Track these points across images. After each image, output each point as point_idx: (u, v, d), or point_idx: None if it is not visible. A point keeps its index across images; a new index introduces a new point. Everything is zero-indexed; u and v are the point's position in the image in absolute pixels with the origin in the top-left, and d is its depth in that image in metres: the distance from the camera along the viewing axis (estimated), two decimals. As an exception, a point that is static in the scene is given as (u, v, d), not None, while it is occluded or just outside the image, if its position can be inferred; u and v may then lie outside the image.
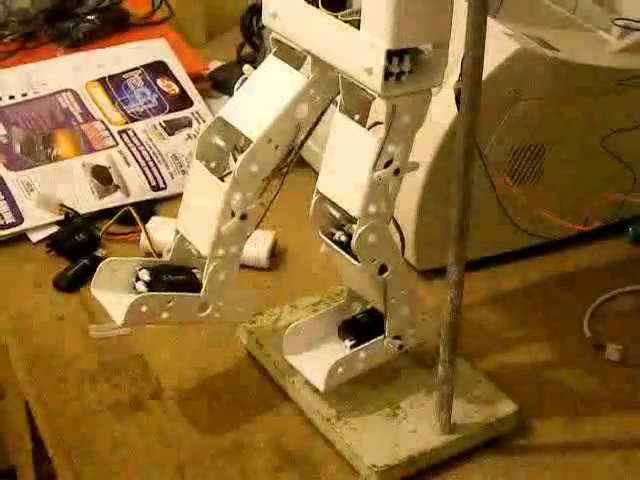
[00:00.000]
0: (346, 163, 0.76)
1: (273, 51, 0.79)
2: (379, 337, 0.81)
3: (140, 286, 0.81)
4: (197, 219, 0.81)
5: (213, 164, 0.81)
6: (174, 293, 0.80)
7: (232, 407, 0.85)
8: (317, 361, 0.81)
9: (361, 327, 0.83)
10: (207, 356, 0.90)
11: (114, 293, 0.81)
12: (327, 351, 0.83)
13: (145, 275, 0.82)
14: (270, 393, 0.86)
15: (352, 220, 0.77)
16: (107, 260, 0.82)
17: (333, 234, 0.79)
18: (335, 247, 0.79)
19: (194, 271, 0.83)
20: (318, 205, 0.79)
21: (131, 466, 0.80)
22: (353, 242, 0.76)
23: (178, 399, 0.86)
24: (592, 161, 1.00)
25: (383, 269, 0.78)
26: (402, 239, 0.82)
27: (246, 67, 0.80)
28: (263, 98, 0.78)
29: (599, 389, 0.89)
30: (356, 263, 0.77)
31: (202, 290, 0.81)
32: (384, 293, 0.79)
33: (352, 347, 0.82)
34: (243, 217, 0.78)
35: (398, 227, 0.81)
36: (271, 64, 0.79)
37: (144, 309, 0.78)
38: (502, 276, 1.02)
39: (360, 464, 0.78)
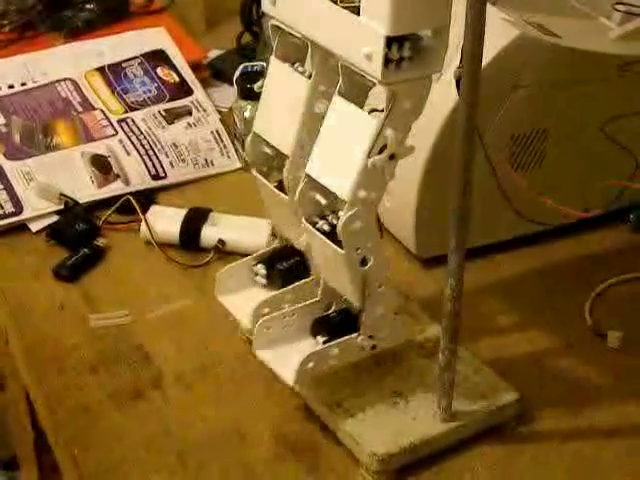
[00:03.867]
0: (341, 146, 0.75)
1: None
2: (353, 334, 0.80)
3: (260, 279, 0.86)
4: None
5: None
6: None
7: (233, 396, 0.85)
8: (288, 356, 0.80)
9: (334, 325, 0.81)
10: (208, 345, 0.90)
11: (238, 296, 0.85)
12: (298, 347, 0.82)
13: (261, 269, 0.86)
14: (271, 382, 0.86)
15: (336, 211, 0.76)
16: (223, 270, 0.86)
17: (316, 223, 0.78)
18: (319, 234, 0.77)
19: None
20: (305, 190, 0.77)
21: (132, 455, 0.80)
22: (339, 226, 0.74)
23: (179, 388, 0.86)
24: (592, 148, 1.00)
25: (364, 261, 0.77)
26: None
27: (258, 84, 0.82)
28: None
29: (600, 376, 0.88)
30: (340, 250, 0.75)
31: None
32: (362, 287, 0.78)
33: (324, 343, 0.80)
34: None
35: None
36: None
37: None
38: (503, 263, 1.02)
39: (361, 452, 0.78)
